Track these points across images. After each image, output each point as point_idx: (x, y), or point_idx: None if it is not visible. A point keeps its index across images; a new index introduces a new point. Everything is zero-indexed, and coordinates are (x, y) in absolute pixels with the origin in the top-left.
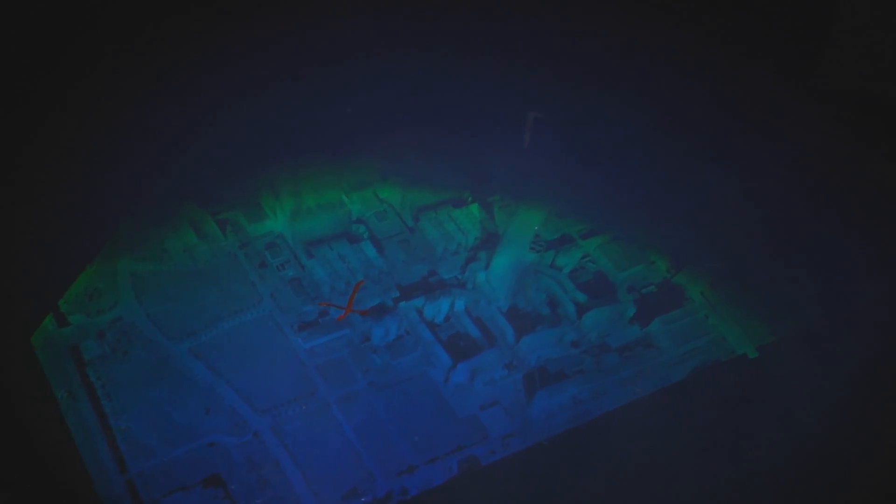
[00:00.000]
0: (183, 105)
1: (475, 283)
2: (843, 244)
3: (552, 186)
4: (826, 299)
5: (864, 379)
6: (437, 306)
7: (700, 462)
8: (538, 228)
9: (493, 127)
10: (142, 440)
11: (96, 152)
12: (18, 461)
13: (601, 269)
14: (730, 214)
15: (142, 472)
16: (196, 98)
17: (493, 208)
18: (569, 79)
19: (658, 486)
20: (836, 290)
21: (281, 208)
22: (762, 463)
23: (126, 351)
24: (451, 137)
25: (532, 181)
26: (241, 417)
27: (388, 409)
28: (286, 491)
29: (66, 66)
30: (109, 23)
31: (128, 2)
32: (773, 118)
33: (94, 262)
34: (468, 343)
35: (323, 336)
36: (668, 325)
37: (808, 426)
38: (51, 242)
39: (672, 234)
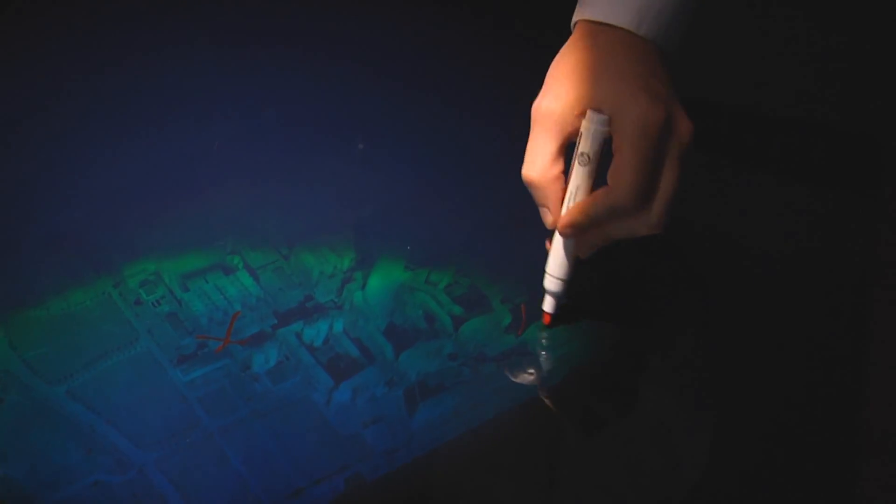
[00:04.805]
0: (51, 145)
1: (352, 303)
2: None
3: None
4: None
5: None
6: (315, 329)
7: (580, 460)
8: (410, 248)
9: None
10: (21, 486)
11: None
12: None
13: (475, 283)
14: None
15: None
16: (64, 137)
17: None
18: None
19: (541, 488)
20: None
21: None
22: (644, 456)
23: (1, 398)
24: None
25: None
26: (123, 455)
27: (272, 434)
28: None
29: None
30: None
31: None
32: None
33: None
34: (348, 363)
35: (202, 368)
36: (542, 332)
37: (678, 421)
38: None
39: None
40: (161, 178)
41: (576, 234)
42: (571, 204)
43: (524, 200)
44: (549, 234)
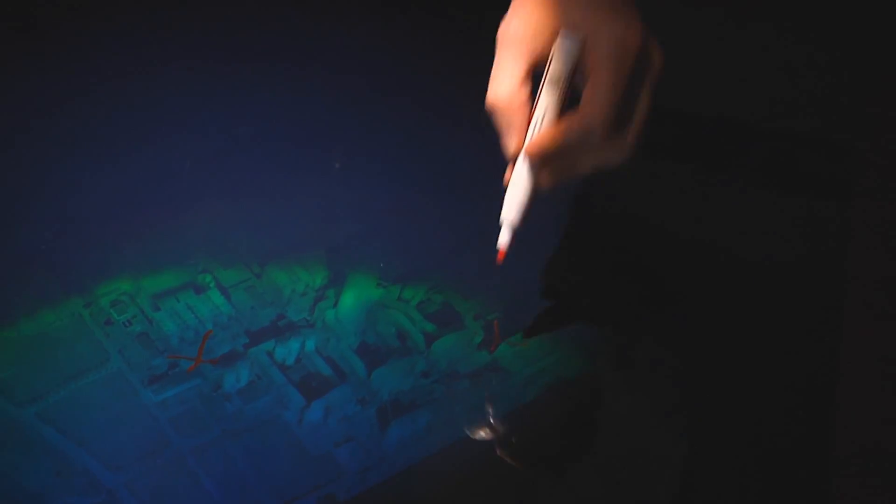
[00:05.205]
0: (21, 165)
1: (324, 321)
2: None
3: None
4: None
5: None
6: (287, 348)
7: (555, 478)
8: (383, 265)
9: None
10: None
11: None
12: None
13: (447, 300)
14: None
15: None
16: (35, 157)
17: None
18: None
19: None
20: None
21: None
22: (619, 473)
23: None
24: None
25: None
26: (94, 477)
27: (244, 455)
28: None
29: None
30: None
31: None
32: None
33: None
34: (320, 382)
35: (173, 388)
36: (515, 348)
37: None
38: None
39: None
40: (132, 197)
41: (542, 159)
42: (537, 130)
43: (498, 217)
44: (510, 166)
